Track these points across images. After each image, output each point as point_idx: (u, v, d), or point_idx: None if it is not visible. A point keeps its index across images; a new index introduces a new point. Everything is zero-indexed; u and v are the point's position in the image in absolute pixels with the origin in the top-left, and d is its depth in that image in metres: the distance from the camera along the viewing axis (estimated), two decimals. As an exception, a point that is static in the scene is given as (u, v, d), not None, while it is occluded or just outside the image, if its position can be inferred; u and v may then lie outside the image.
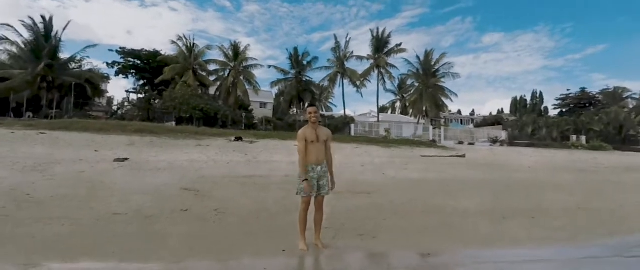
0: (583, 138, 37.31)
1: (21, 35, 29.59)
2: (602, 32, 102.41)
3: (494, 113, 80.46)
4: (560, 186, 10.22)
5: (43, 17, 30.58)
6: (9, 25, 29.06)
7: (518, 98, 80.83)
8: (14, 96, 27.93)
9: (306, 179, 4.04)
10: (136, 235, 4.39)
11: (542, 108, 73.82)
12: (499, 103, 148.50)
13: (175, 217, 5.28)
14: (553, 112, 65.02)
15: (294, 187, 4.24)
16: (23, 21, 29.59)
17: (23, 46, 29.87)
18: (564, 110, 60.86)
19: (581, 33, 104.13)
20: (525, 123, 42.42)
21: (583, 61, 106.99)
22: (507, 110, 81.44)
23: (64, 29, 31.06)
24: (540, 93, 77.55)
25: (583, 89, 60.26)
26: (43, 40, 29.96)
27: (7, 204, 5.43)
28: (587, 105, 57.32)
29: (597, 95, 58.51)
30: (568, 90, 66.94)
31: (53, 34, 30.69)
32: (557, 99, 63.98)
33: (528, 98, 78.93)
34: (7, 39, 29.14)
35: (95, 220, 4.87)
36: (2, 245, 3.87)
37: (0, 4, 67.08)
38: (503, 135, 38.74)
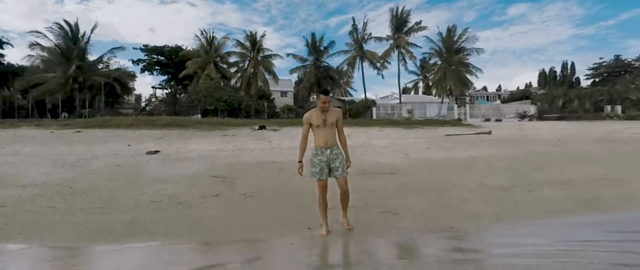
0: (618, 108, 35.56)
1: (51, 41, 31.02)
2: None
3: (522, 87, 77.50)
4: (589, 158, 9.95)
5: (66, 22, 31.83)
6: (38, 32, 30.50)
7: (547, 70, 77.45)
8: (49, 98, 29.51)
9: (300, 161, 4.17)
10: (171, 220, 4.70)
11: (574, 79, 70.39)
12: (527, 77, 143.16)
13: (206, 202, 5.58)
14: (585, 83, 61.88)
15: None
16: (51, 28, 30.96)
17: (54, 51, 31.27)
18: (597, 80, 57.81)
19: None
20: (555, 96, 40.83)
21: (617, 27, 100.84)
22: (535, 84, 78.25)
23: (92, 31, 32.36)
24: (572, 63, 73.62)
25: (617, 57, 56.84)
26: (71, 44, 31.27)
27: (53, 196, 5.89)
28: (623, 73, 54.22)
29: (633, 62, 55.13)
30: (601, 58, 63.37)
31: (80, 36, 31.95)
32: (590, 69, 60.73)
33: (558, 70, 75.50)
34: (38, 44, 30.62)
35: (133, 208, 5.23)
36: (53, 233, 4.25)
37: (28, 9, 70.18)
38: (532, 109, 37.50)
